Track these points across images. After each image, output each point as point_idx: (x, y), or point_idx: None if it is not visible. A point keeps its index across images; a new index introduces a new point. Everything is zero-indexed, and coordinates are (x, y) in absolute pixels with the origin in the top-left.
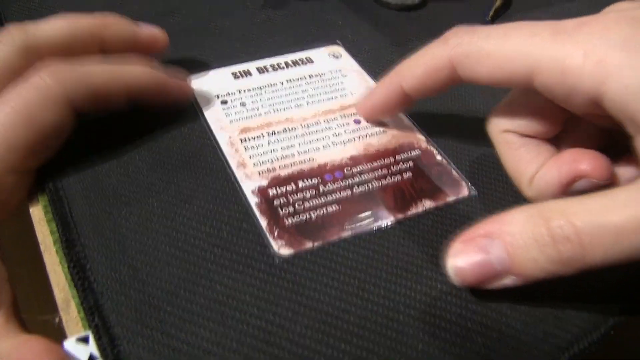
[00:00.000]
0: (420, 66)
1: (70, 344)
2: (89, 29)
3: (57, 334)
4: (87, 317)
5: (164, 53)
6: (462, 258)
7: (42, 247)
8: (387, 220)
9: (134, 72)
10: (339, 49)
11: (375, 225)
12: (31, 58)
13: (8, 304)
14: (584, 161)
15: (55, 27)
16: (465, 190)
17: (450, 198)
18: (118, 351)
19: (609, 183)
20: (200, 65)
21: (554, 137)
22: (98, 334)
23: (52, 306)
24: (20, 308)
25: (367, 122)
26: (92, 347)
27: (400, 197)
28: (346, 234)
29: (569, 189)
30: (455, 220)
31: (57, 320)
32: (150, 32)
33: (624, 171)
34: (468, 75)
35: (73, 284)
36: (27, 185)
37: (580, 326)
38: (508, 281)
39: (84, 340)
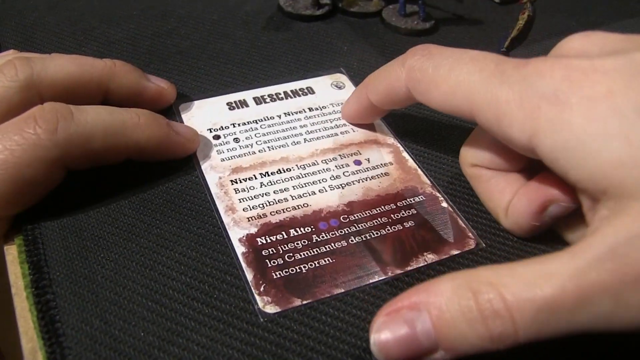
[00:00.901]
0: (382, 82)
1: None
2: (97, 76)
3: None
4: None
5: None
6: (386, 332)
7: (13, 290)
8: (384, 275)
9: (137, 134)
10: (342, 78)
11: (371, 282)
12: (32, 95)
13: None
14: (550, 187)
15: (62, 68)
16: (472, 242)
17: (455, 251)
18: None
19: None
20: (194, 92)
21: (524, 167)
22: None
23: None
24: None
25: (349, 122)
26: None
27: (400, 249)
28: (338, 290)
29: (543, 217)
30: None
31: None
32: (158, 87)
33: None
34: (420, 99)
35: (41, 335)
36: (3, 227)
37: None
38: (437, 356)
39: None
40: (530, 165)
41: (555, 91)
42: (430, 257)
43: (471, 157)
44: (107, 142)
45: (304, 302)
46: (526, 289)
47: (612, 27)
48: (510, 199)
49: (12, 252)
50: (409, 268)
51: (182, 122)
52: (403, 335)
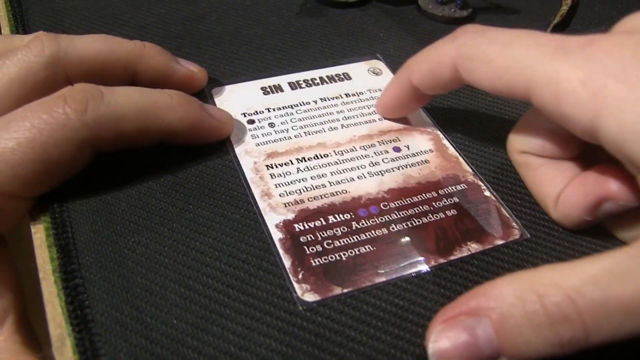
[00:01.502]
0: (427, 62)
1: None
2: (125, 57)
3: None
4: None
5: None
6: (445, 341)
7: (40, 275)
8: (427, 265)
9: (169, 115)
10: (379, 65)
11: (414, 271)
12: (58, 73)
13: (15, 318)
14: (609, 182)
15: (91, 47)
16: (516, 232)
17: (499, 241)
18: None
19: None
20: (228, 76)
21: (576, 155)
22: None
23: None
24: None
25: (386, 119)
26: None
27: (442, 238)
28: (380, 279)
29: (596, 212)
30: (504, 267)
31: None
32: (188, 70)
33: None
34: (468, 78)
35: (69, 320)
36: (28, 208)
37: None
38: None
39: None
40: (584, 154)
41: (624, 69)
42: (474, 247)
43: (520, 144)
44: (138, 124)
45: (345, 290)
46: (597, 289)
47: None
48: (561, 188)
49: (40, 236)
50: (453, 257)
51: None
52: (463, 343)
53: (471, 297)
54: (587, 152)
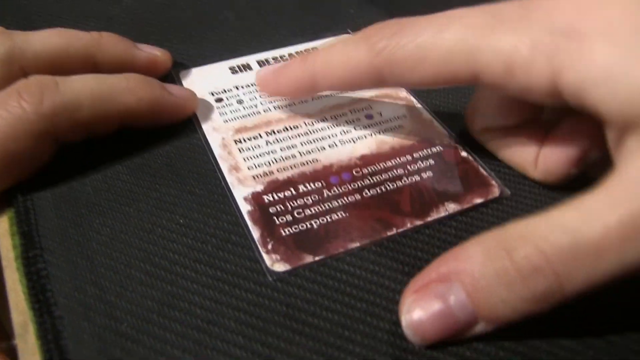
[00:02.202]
0: (340, 67)
1: None
2: (82, 49)
3: None
4: (42, 345)
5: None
6: (418, 311)
7: (4, 263)
8: (402, 227)
9: (126, 97)
10: None
11: (389, 234)
12: (14, 70)
13: None
14: (589, 131)
15: (46, 41)
16: (495, 190)
17: (478, 200)
18: None
19: None
20: (196, 60)
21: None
22: None
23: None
24: None
25: (265, 95)
26: None
27: (418, 200)
28: (353, 245)
29: (582, 163)
30: (484, 226)
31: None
32: (150, 54)
33: None
34: (403, 83)
35: (31, 305)
36: None
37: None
38: (479, 328)
39: None
40: (542, 113)
41: (569, 24)
42: (452, 207)
43: (479, 122)
44: (95, 110)
45: (316, 258)
46: (565, 236)
47: None
48: (538, 149)
49: (4, 225)
50: (430, 219)
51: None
52: (437, 312)
53: (441, 262)
54: (543, 109)
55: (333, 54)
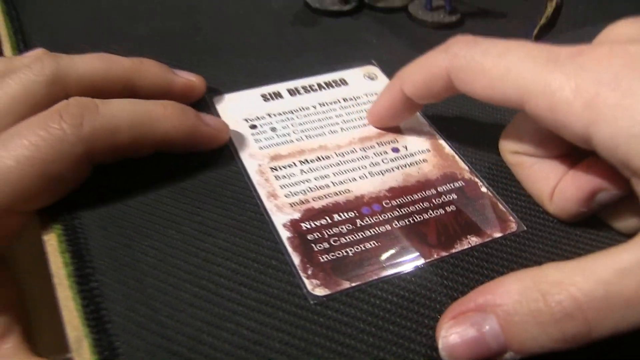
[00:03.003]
0: (420, 73)
1: None
2: (122, 73)
3: None
4: None
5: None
6: (454, 336)
7: (55, 280)
8: (429, 258)
9: (163, 124)
10: (374, 70)
11: (418, 264)
12: (58, 91)
13: (20, 330)
14: (600, 173)
15: (89, 65)
16: (513, 225)
17: (497, 234)
18: None
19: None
20: (228, 86)
21: (566, 152)
22: None
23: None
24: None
25: (378, 129)
26: None
27: (443, 232)
28: (385, 273)
29: (591, 203)
30: (503, 258)
31: None
32: (187, 80)
33: None
34: (463, 88)
35: (86, 322)
36: (28, 222)
37: None
38: (507, 356)
39: None
40: (573, 151)
41: (615, 77)
42: (474, 240)
43: (512, 145)
44: (133, 134)
45: (352, 284)
46: (599, 287)
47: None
48: (555, 184)
49: (53, 243)
50: (454, 250)
51: (216, 114)
52: (471, 339)
53: (479, 293)
54: (575, 149)
55: (418, 62)
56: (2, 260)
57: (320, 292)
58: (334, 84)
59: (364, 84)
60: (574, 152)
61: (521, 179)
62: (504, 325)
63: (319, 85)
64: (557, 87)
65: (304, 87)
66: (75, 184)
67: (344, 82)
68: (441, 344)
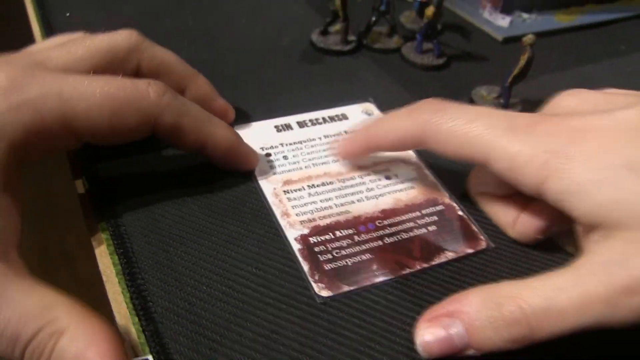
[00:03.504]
0: (394, 131)
1: None
2: (184, 73)
3: None
4: (148, 342)
5: None
6: (429, 335)
7: (104, 278)
8: (413, 269)
9: (217, 129)
10: (371, 107)
11: (403, 273)
12: (133, 59)
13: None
14: (553, 213)
15: (164, 53)
16: (483, 244)
17: (469, 250)
18: None
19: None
20: (245, 116)
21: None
22: (159, 358)
23: None
24: None
25: (341, 159)
26: None
27: (426, 247)
28: (378, 280)
29: (547, 233)
30: (472, 271)
31: None
32: (225, 104)
33: None
34: (435, 148)
35: (135, 312)
36: (71, 149)
37: None
38: (470, 352)
39: None
40: None
41: (560, 147)
42: (450, 255)
43: (477, 187)
44: (195, 124)
45: (351, 288)
46: (541, 300)
47: (602, 64)
48: (516, 216)
49: (101, 247)
50: (434, 263)
51: None
52: (441, 338)
53: (449, 302)
54: None
55: (389, 122)
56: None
57: (325, 293)
58: (336, 118)
59: (362, 119)
60: None
61: (486, 212)
62: (468, 328)
63: (324, 119)
64: (515, 152)
65: (311, 120)
66: (128, 139)
67: (345, 116)
68: (418, 340)
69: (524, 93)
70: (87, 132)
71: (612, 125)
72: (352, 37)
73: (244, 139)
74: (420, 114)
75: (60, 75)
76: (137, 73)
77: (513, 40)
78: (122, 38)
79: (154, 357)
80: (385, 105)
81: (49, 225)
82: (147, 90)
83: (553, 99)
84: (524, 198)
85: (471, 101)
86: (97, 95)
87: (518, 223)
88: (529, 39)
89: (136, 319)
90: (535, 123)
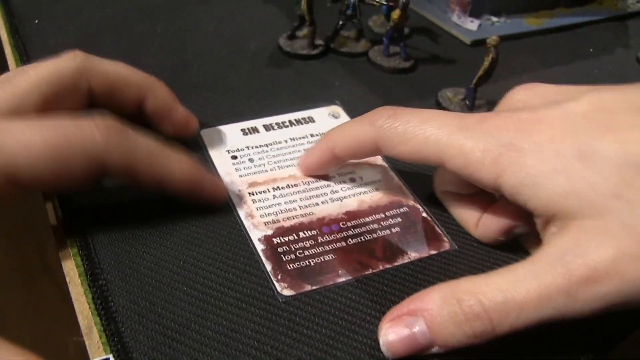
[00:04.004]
0: (350, 138)
1: None
2: (140, 82)
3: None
4: (109, 342)
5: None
6: (392, 334)
7: (67, 279)
8: (376, 269)
9: (174, 164)
10: (337, 109)
11: (366, 273)
12: (83, 81)
13: None
14: (516, 213)
15: (114, 67)
16: (446, 245)
17: (433, 251)
18: None
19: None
20: (212, 120)
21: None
22: (119, 358)
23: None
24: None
25: (305, 175)
26: None
27: (388, 248)
28: (340, 280)
29: (508, 235)
30: (435, 270)
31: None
32: (187, 113)
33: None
34: (389, 153)
35: (96, 312)
36: (18, 199)
37: None
38: (434, 350)
39: None
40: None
41: (511, 140)
42: (414, 255)
43: (440, 186)
44: (146, 162)
45: (313, 287)
46: (499, 294)
47: (569, 66)
48: (479, 216)
49: (65, 250)
50: (397, 264)
51: (205, 145)
52: (405, 336)
53: (410, 301)
54: None
55: (346, 129)
56: None
57: (287, 292)
58: (302, 121)
59: (328, 122)
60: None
61: (450, 211)
62: (430, 325)
63: (290, 122)
64: (468, 149)
65: (277, 124)
66: (76, 187)
67: (311, 119)
68: (381, 340)
69: (490, 95)
70: (32, 183)
71: (562, 115)
72: (319, 42)
73: (210, 143)
74: (374, 120)
75: (2, 125)
76: (89, 95)
77: (482, 44)
78: (65, 62)
79: (114, 356)
80: (352, 109)
81: (28, 240)
82: (92, 132)
83: (507, 94)
84: (487, 198)
85: (437, 103)
86: (39, 146)
87: (480, 223)
88: (492, 40)
89: (98, 319)
90: (485, 119)
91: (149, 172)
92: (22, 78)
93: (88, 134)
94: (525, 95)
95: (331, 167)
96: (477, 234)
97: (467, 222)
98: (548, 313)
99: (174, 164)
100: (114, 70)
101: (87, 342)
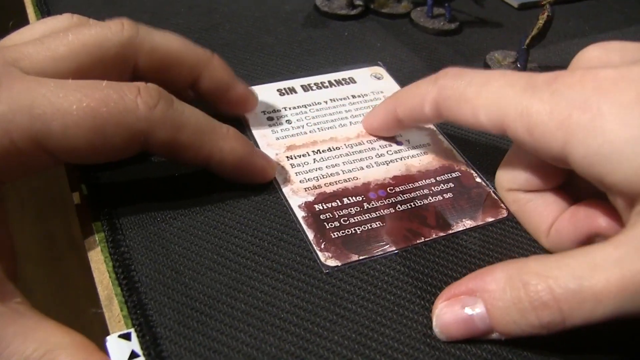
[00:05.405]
0: (412, 99)
1: (113, 340)
2: (194, 60)
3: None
4: (130, 315)
5: None
6: (447, 315)
7: (86, 246)
8: (428, 237)
9: (222, 142)
10: (381, 70)
11: (417, 242)
12: (128, 56)
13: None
14: (598, 218)
15: (166, 41)
16: (504, 212)
17: (490, 219)
18: (160, 350)
19: None
20: (245, 79)
21: (562, 184)
22: (142, 332)
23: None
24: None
25: (370, 135)
26: (134, 344)
27: (441, 216)
28: (390, 249)
29: (586, 244)
30: (493, 239)
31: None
32: (246, 90)
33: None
34: (449, 116)
35: (117, 282)
36: (49, 168)
37: None
38: (494, 336)
39: (126, 337)
40: (566, 183)
41: (586, 100)
42: (468, 223)
43: (506, 182)
44: (194, 138)
45: (360, 257)
46: (573, 280)
47: (623, 32)
48: (551, 222)
49: (85, 212)
50: (450, 231)
51: None
52: (461, 319)
53: (470, 279)
54: (568, 181)
55: (410, 87)
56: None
57: (332, 263)
58: (343, 82)
59: (371, 83)
60: (567, 184)
61: (517, 215)
62: (490, 309)
63: (330, 83)
64: (533, 111)
65: (316, 84)
66: (115, 159)
67: (352, 80)
68: (435, 321)
69: (542, 59)
70: (64, 152)
71: None
72: (358, 2)
73: None
74: (437, 79)
75: (32, 84)
76: (134, 72)
77: (528, 8)
78: (112, 33)
79: (136, 330)
80: (395, 70)
81: (55, 214)
82: (135, 102)
83: (578, 53)
84: (563, 198)
85: (486, 66)
86: (74, 112)
87: (553, 229)
88: None
89: (119, 290)
90: (557, 77)
91: (195, 149)
92: (60, 41)
93: (130, 104)
94: (601, 52)
95: (395, 130)
96: (547, 244)
97: (536, 229)
98: (630, 307)
99: (223, 141)
100: (166, 47)
101: (106, 315)
